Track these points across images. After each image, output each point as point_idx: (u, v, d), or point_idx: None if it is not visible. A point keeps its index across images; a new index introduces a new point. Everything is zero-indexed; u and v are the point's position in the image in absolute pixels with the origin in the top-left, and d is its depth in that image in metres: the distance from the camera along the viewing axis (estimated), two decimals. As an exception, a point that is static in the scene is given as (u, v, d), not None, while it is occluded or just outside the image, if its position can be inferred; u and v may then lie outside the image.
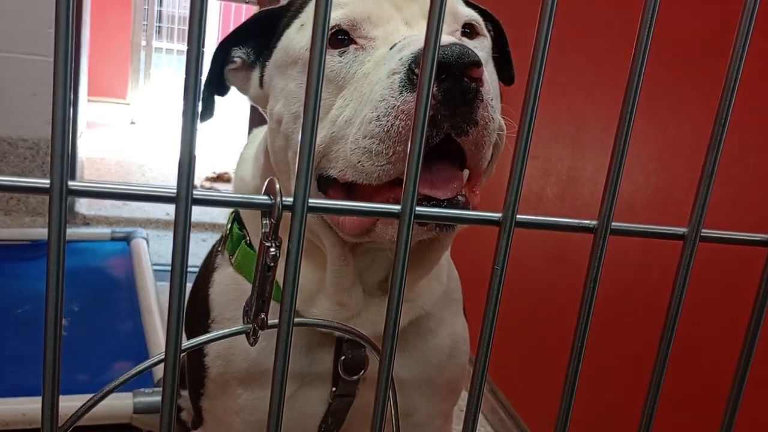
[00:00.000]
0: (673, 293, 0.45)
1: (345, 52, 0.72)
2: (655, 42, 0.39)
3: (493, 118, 0.66)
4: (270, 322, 0.46)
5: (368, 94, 0.68)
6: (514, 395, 1.74)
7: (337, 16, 0.72)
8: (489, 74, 0.78)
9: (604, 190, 0.42)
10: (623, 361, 1.30)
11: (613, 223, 0.42)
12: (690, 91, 1.17)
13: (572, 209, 1.51)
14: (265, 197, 0.39)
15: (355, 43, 0.73)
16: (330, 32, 0.72)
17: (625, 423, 1.29)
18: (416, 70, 0.63)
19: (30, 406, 1.38)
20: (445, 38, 0.64)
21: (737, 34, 0.41)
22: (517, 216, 0.41)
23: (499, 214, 0.41)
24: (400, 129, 0.64)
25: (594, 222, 0.43)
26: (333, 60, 0.72)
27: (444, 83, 0.62)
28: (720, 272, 1.05)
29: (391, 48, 0.70)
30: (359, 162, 0.67)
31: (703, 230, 0.44)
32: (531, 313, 1.66)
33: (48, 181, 0.34)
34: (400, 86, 0.64)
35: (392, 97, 0.64)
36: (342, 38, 0.73)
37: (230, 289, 0.89)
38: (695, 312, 1.09)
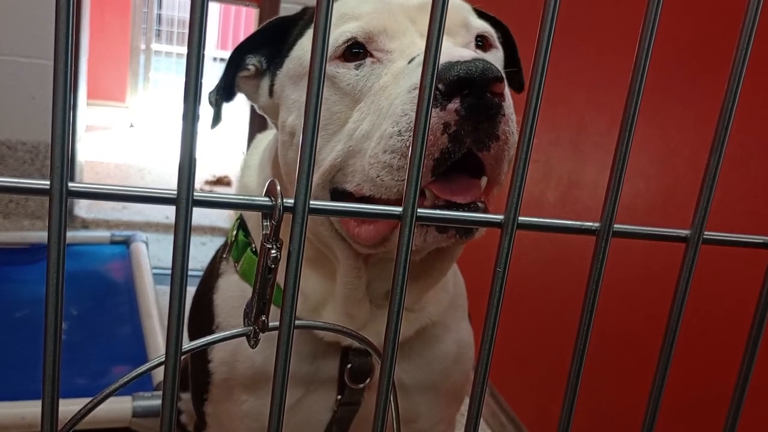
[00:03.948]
0: (676, 296, 0.45)
1: (361, 65, 0.72)
2: (657, 45, 0.39)
3: (513, 132, 0.66)
4: (271, 324, 0.45)
5: (387, 108, 0.67)
6: (515, 399, 1.74)
7: (352, 29, 0.72)
8: None
9: (606, 191, 0.42)
10: (625, 365, 1.30)
11: (615, 226, 0.42)
12: (691, 94, 1.17)
13: (573, 213, 1.51)
14: (266, 199, 0.39)
15: (371, 56, 0.72)
16: (346, 45, 0.72)
17: (627, 427, 1.28)
18: (439, 85, 0.62)
19: (29, 409, 1.38)
20: (466, 53, 0.64)
21: (739, 38, 0.41)
22: (519, 218, 0.41)
23: (501, 216, 0.41)
24: None
25: (596, 224, 0.42)
26: (349, 73, 0.72)
27: (467, 99, 0.62)
28: (722, 275, 1.04)
29: (409, 62, 0.69)
30: (378, 176, 0.67)
31: (705, 233, 0.44)
32: (533, 316, 1.65)
33: (48, 183, 0.33)
34: None
35: (414, 111, 0.64)
36: (357, 51, 0.72)
37: (235, 296, 0.88)
38: (697, 315, 1.08)
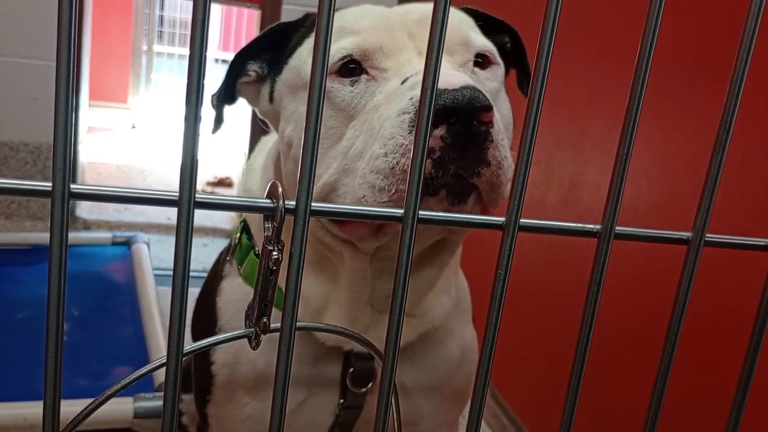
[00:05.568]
0: (677, 298, 0.45)
1: (356, 82, 0.72)
2: (658, 48, 0.39)
3: (505, 156, 0.65)
4: (272, 326, 0.45)
5: (378, 129, 0.67)
6: (516, 401, 1.74)
7: (348, 46, 0.72)
8: (501, 103, 0.77)
9: (607, 193, 0.42)
10: (627, 366, 1.30)
11: (616, 228, 0.42)
12: (693, 96, 1.17)
13: (575, 215, 1.51)
14: (268, 200, 0.39)
15: (367, 73, 0.72)
16: (342, 62, 0.71)
17: (628, 429, 1.28)
18: None
19: (31, 410, 1.38)
20: (457, 79, 0.63)
21: (741, 40, 0.41)
22: (521, 220, 0.41)
23: (503, 219, 0.41)
24: (405, 167, 0.64)
25: (598, 226, 0.42)
26: (344, 90, 0.72)
27: (453, 127, 0.61)
28: (723, 277, 1.04)
29: (402, 82, 0.69)
30: (363, 197, 0.67)
31: (707, 235, 0.44)
32: (534, 318, 1.65)
33: (50, 184, 0.33)
34: (409, 126, 0.64)
35: (401, 136, 0.64)
36: (353, 68, 0.72)
37: (238, 298, 0.88)
38: (699, 317, 1.08)
